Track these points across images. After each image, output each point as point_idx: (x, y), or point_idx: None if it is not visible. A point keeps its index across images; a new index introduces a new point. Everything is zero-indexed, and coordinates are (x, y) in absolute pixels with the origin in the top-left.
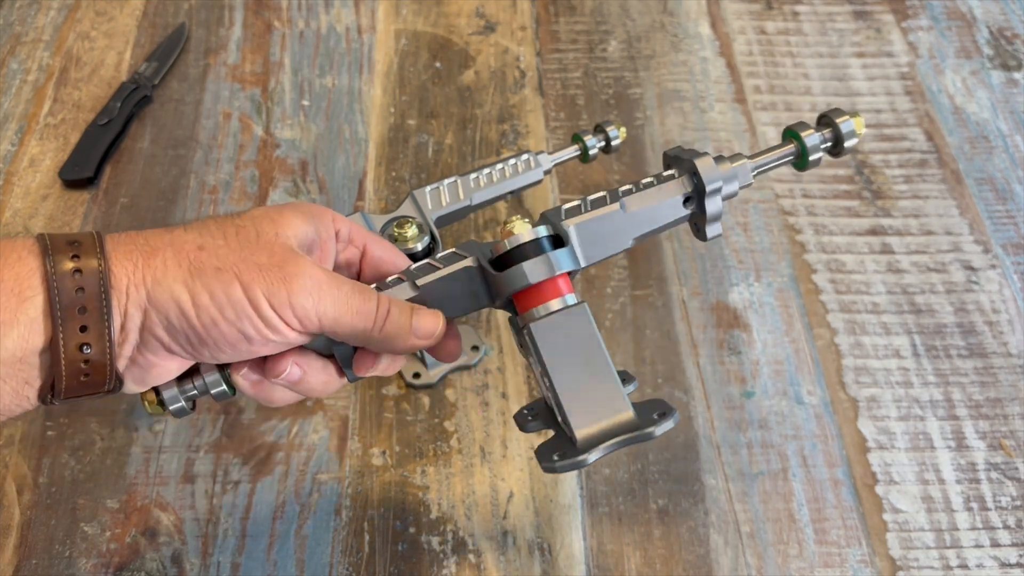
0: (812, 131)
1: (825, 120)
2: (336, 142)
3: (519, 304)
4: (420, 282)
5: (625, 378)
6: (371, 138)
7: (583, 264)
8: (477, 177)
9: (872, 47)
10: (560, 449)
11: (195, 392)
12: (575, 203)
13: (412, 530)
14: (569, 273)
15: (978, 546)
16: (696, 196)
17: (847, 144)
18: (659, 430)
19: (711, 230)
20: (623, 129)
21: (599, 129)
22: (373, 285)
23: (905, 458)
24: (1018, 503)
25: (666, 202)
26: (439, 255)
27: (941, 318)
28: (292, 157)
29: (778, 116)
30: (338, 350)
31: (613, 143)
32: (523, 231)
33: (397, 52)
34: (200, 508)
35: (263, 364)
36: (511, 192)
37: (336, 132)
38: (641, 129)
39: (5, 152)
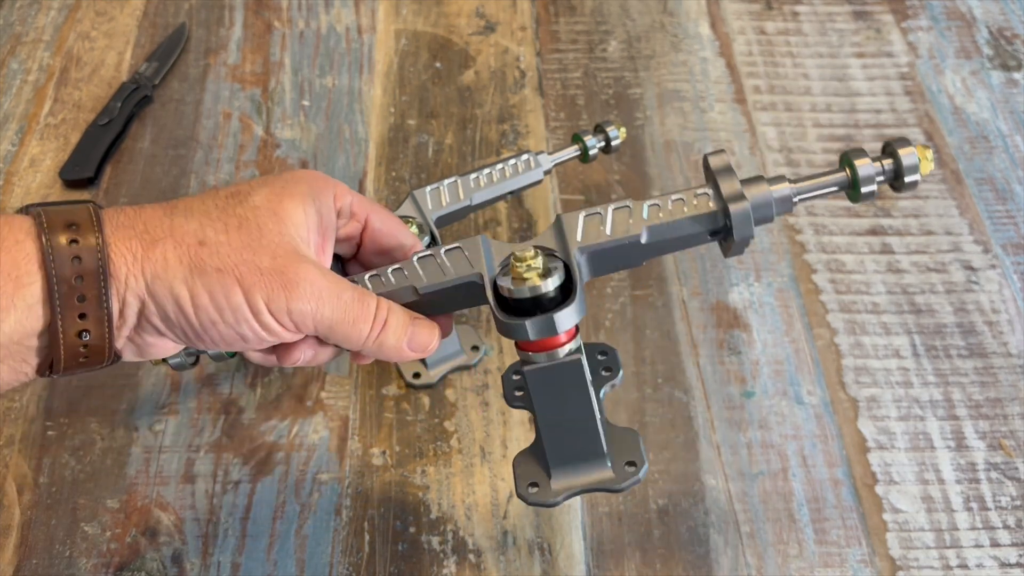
0: (868, 160)
1: (889, 150)
2: (336, 142)
3: (519, 343)
4: (423, 290)
5: (610, 367)
6: (371, 138)
7: (584, 311)
8: (477, 177)
9: (872, 47)
10: (536, 479)
11: (195, 353)
12: (595, 212)
13: (412, 530)
14: None
15: (978, 546)
16: (726, 232)
17: (907, 179)
18: (627, 485)
19: (735, 251)
20: (623, 129)
21: (599, 129)
22: (375, 273)
23: (905, 458)
24: (1018, 503)
25: (692, 234)
26: (443, 249)
27: (941, 318)
28: (292, 157)
29: (778, 116)
30: None
31: (613, 143)
32: (534, 282)
33: (397, 52)
34: (200, 508)
35: (276, 348)
36: (511, 192)
37: (336, 132)
38: (641, 129)
39: (5, 152)
